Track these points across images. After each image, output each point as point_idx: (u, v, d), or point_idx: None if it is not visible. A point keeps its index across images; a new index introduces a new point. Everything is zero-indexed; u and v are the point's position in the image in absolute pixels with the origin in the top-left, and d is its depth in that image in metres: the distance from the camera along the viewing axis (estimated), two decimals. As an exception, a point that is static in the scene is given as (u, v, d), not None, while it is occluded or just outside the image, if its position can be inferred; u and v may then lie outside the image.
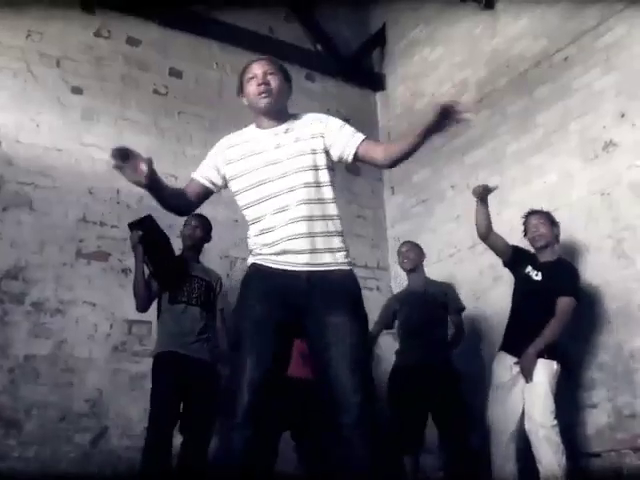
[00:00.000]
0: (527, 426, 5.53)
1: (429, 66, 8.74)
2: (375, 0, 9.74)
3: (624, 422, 5.91)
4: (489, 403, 5.86)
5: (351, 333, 3.46)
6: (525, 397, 5.61)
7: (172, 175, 5.79)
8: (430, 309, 6.58)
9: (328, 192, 3.74)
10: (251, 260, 3.73)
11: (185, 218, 6.07)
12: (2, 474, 5.74)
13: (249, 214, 3.75)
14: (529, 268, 5.98)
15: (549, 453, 5.35)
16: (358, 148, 3.77)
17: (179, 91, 7.86)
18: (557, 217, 6.40)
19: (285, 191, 3.63)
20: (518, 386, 5.68)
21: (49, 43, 7.23)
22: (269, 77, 3.82)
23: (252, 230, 3.74)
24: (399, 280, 7.72)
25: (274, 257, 3.62)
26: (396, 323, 6.86)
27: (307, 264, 3.57)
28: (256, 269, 3.69)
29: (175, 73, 7.92)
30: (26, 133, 6.85)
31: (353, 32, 9.54)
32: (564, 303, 5.71)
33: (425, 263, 6.93)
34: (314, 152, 3.75)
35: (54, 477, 5.97)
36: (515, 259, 6.12)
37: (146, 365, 6.19)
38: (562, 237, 6.39)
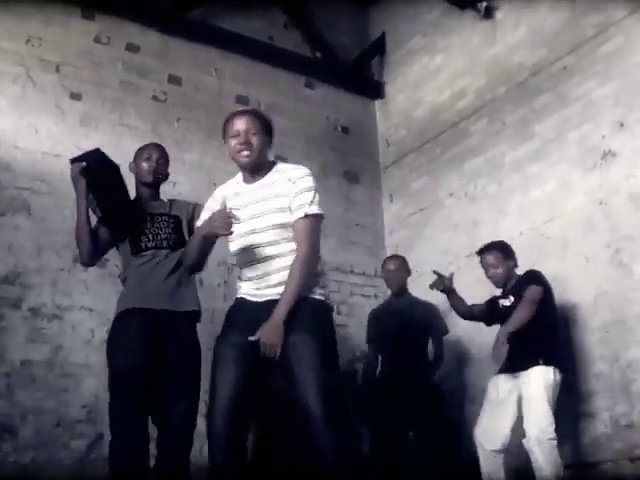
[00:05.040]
0: (524, 440, 5.48)
1: (428, 74, 8.74)
2: (375, 7, 9.75)
3: (621, 432, 5.91)
4: (478, 419, 5.88)
5: (311, 355, 3.66)
6: (523, 409, 5.57)
7: (171, 181, 5.75)
8: (413, 330, 6.59)
9: (292, 245, 3.91)
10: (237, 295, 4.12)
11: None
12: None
13: (234, 259, 4.13)
14: (501, 301, 6.05)
15: (547, 469, 5.31)
16: (295, 222, 3.88)
17: (178, 98, 7.85)
18: (555, 227, 6.43)
19: (256, 245, 3.90)
20: (510, 401, 5.68)
21: (48, 49, 7.22)
22: (250, 136, 3.94)
23: (238, 271, 4.14)
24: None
25: (249, 291, 4.01)
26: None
27: (276, 294, 3.82)
28: (235, 301, 4.11)
29: (174, 80, 7.91)
30: (24, 138, 6.84)
31: (353, 40, 9.54)
32: (532, 290, 5.72)
33: (422, 272, 6.93)
34: (282, 210, 3.89)
35: (49, 483, 5.96)
36: (491, 310, 6.16)
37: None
38: (560, 246, 6.42)
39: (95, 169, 4.69)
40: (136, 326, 4.58)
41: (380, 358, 6.78)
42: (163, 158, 5.10)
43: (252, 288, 3.96)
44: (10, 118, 6.85)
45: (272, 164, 4.10)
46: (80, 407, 6.38)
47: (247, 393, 3.77)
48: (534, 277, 5.87)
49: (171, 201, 5.13)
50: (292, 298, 3.73)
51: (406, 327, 6.56)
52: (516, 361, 5.55)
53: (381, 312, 6.95)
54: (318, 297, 3.89)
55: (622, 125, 6.35)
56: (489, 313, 6.12)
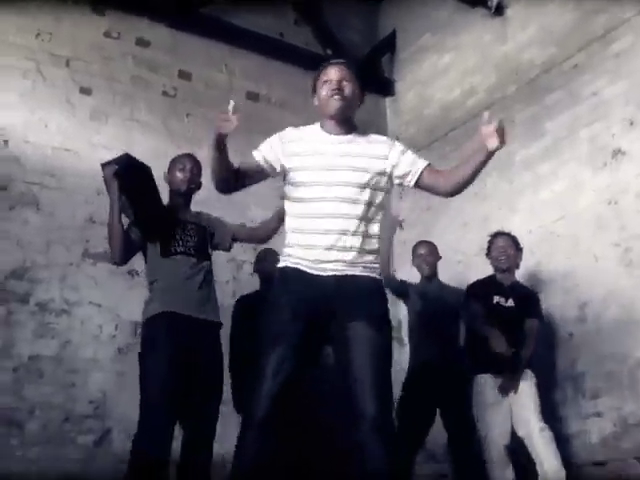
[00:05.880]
0: (522, 433, 5.73)
1: (438, 72, 8.73)
2: (385, 4, 9.74)
3: (630, 431, 5.89)
4: (480, 421, 5.95)
5: (375, 343, 3.50)
6: (513, 409, 5.84)
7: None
8: (446, 315, 6.56)
9: (373, 212, 3.74)
10: (283, 262, 3.76)
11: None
12: (4, 474, 5.73)
13: (292, 209, 3.80)
14: (497, 297, 6.10)
15: (550, 454, 5.55)
16: (422, 174, 3.79)
17: (188, 93, 7.86)
18: (565, 225, 6.43)
19: (331, 199, 3.65)
20: (505, 402, 5.87)
21: (59, 43, 7.23)
22: (344, 84, 3.84)
23: (290, 224, 3.81)
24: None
25: (304, 261, 3.66)
26: (406, 323, 6.85)
27: (337, 270, 3.61)
28: (288, 272, 3.72)
29: (184, 75, 7.93)
30: (34, 133, 6.85)
31: (363, 37, 9.54)
32: (536, 324, 6.06)
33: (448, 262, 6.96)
34: (373, 172, 3.72)
35: (56, 478, 5.95)
36: (478, 293, 6.23)
37: (151, 367, 6.19)
38: (569, 244, 6.41)
39: (127, 171, 4.81)
40: (172, 330, 4.75)
41: (411, 343, 6.74)
42: (197, 168, 5.21)
43: (313, 258, 3.63)
44: (20, 113, 6.86)
45: (356, 126, 3.95)
46: (88, 402, 6.39)
47: (296, 377, 3.53)
48: (539, 309, 6.20)
49: (198, 213, 5.27)
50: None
51: (437, 311, 6.53)
52: (504, 365, 5.85)
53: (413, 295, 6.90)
54: (380, 277, 3.78)
55: (632, 123, 6.32)
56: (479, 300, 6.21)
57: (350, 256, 3.62)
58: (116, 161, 4.85)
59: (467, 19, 8.35)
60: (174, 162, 5.26)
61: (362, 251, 3.66)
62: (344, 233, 3.62)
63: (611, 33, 6.64)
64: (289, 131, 3.89)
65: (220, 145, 3.58)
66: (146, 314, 4.94)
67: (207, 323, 4.89)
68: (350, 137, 3.84)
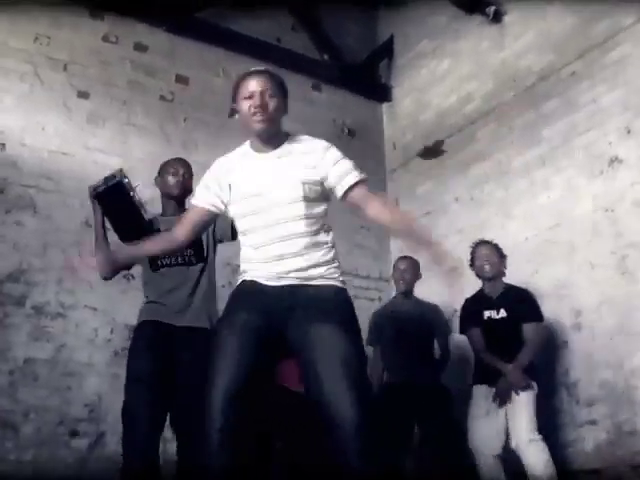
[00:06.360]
0: (514, 443, 5.68)
1: (436, 78, 8.74)
2: (383, 10, 9.75)
3: (624, 439, 5.90)
4: (470, 431, 5.96)
5: (341, 346, 3.36)
6: (509, 418, 5.81)
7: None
8: (418, 331, 6.56)
9: (318, 223, 3.63)
10: (240, 279, 3.69)
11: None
12: (-2, 477, 5.74)
13: (242, 239, 3.71)
14: (487, 312, 6.12)
15: (540, 465, 5.51)
16: (349, 190, 3.64)
17: (185, 98, 7.86)
18: (561, 232, 6.44)
19: (273, 223, 3.54)
20: (500, 412, 5.85)
21: (57, 47, 7.23)
22: (267, 99, 3.58)
23: (244, 252, 3.70)
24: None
25: (260, 273, 3.59)
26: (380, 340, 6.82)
27: (293, 279, 3.53)
28: (244, 284, 3.65)
29: (182, 79, 7.93)
30: (31, 136, 6.85)
31: (360, 43, 9.54)
32: (537, 329, 6.01)
33: (427, 276, 6.91)
34: (306, 183, 3.56)
35: (50, 481, 5.96)
36: (470, 313, 6.27)
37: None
38: (565, 252, 6.42)
39: (104, 193, 4.67)
40: (151, 338, 4.76)
41: (385, 360, 6.73)
42: (188, 173, 5.15)
43: (268, 270, 3.55)
44: (17, 116, 6.86)
45: (285, 134, 3.74)
46: (82, 406, 6.38)
47: (253, 383, 3.36)
48: (536, 310, 6.11)
49: None
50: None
51: (412, 328, 6.54)
52: (498, 374, 5.84)
53: (385, 314, 6.90)
54: (341, 285, 3.61)
55: (629, 132, 6.33)
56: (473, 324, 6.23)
57: (306, 273, 3.54)
58: (104, 180, 4.69)
59: (465, 26, 8.36)
60: (165, 166, 5.21)
61: (317, 265, 3.57)
62: (295, 254, 3.52)
63: (610, 40, 6.65)
64: (219, 164, 3.81)
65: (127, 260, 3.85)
66: (135, 326, 4.99)
67: (189, 330, 4.76)
68: (280, 151, 3.67)
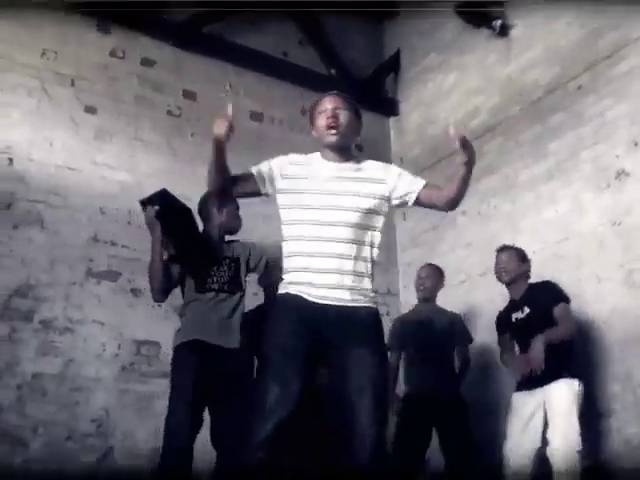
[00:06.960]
0: (548, 449, 5.46)
1: (442, 93, 8.76)
2: (390, 25, 9.78)
3: (632, 452, 5.87)
4: (507, 435, 5.81)
5: (373, 370, 3.62)
6: (550, 422, 5.55)
7: (185, 197, 5.75)
8: (438, 339, 6.53)
9: (371, 236, 3.88)
10: (284, 289, 3.83)
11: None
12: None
13: (289, 232, 3.90)
14: (514, 315, 6.03)
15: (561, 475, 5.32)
16: (420, 192, 4.00)
17: (192, 113, 7.87)
18: (568, 246, 6.42)
19: (327, 223, 3.76)
20: (538, 415, 5.65)
21: (64, 62, 7.26)
22: (338, 112, 3.96)
23: (287, 248, 3.89)
24: (409, 307, 7.66)
25: (305, 288, 3.74)
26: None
27: (336, 299, 3.71)
28: (288, 298, 3.79)
29: (189, 95, 7.95)
30: (39, 151, 6.86)
31: (367, 57, 9.57)
32: (562, 309, 5.78)
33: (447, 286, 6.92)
34: (371, 196, 3.89)
35: (59, 496, 5.96)
36: (502, 322, 6.17)
37: (154, 386, 6.21)
38: (573, 265, 6.40)
39: (168, 212, 4.99)
40: (193, 357, 4.98)
41: (404, 368, 6.70)
42: (239, 218, 5.50)
43: (314, 286, 3.73)
44: (25, 131, 6.87)
45: (356, 155, 4.17)
46: (90, 421, 6.38)
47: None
48: (559, 292, 5.89)
49: (229, 242, 5.47)
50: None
51: (433, 336, 6.51)
52: (539, 376, 5.54)
53: (407, 320, 6.86)
54: (375, 306, 3.85)
55: (636, 145, 6.32)
56: (503, 330, 6.12)
57: (349, 280, 3.73)
58: (155, 198, 5.04)
59: (472, 39, 8.38)
60: (220, 207, 5.41)
61: (361, 275, 3.79)
62: (343, 257, 3.73)
63: (616, 54, 6.64)
64: (292, 155, 4.07)
65: (219, 149, 3.82)
66: (174, 343, 5.17)
67: (223, 350, 5.02)
68: (348, 165, 3.99)
